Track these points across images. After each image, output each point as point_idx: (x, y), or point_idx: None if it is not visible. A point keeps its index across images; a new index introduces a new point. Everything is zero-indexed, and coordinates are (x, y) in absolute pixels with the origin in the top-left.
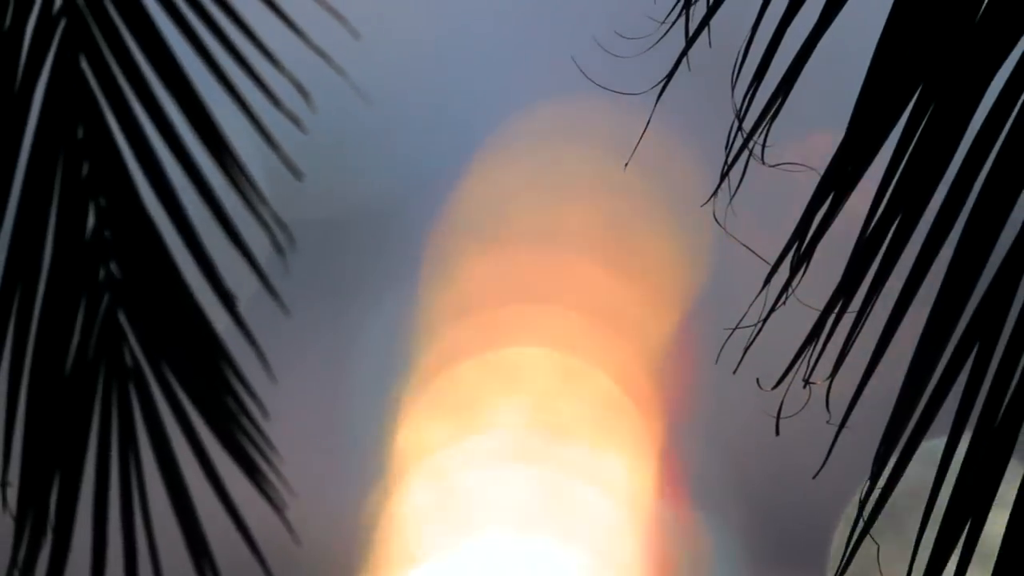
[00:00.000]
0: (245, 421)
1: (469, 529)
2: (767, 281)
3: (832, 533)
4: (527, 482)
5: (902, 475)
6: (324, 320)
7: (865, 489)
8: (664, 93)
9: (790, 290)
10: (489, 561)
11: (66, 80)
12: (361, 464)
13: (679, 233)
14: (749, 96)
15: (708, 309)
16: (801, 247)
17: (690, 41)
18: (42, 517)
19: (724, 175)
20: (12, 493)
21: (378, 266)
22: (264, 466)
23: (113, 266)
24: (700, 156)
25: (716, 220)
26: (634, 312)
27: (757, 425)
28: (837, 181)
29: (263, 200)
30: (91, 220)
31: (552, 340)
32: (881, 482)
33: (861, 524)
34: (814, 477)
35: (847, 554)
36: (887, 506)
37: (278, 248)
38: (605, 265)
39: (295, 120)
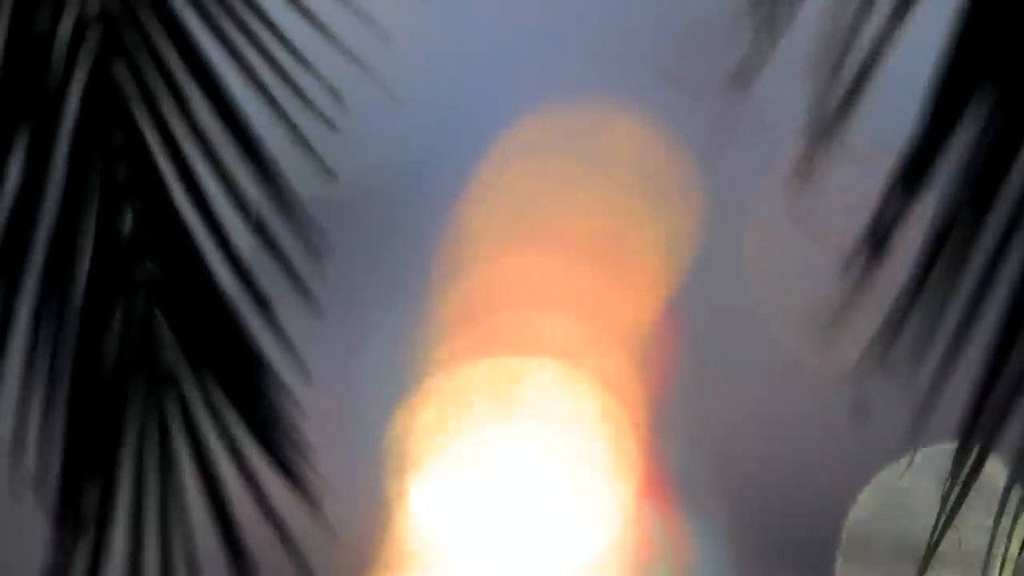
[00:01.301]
0: (282, 421)
1: (460, 534)
2: (846, 271)
3: (824, 534)
4: (520, 486)
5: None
6: (330, 317)
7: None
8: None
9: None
10: (477, 564)
11: (103, 85)
12: (367, 467)
13: (685, 236)
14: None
15: (704, 312)
16: (876, 243)
17: (760, 44)
18: (79, 519)
19: (805, 171)
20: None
21: (386, 264)
22: (302, 470)
23: (150, 265)
24: (712, 161)
25: (787, 216)
26: (631, 317)
27: (746, 426)
28: (909, 177)
29: (298, 205)
30: (128, 223)
31: (553, 347)
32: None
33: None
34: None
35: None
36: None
37: (314, 254)
38: (608, 269)
39: (329, 122)
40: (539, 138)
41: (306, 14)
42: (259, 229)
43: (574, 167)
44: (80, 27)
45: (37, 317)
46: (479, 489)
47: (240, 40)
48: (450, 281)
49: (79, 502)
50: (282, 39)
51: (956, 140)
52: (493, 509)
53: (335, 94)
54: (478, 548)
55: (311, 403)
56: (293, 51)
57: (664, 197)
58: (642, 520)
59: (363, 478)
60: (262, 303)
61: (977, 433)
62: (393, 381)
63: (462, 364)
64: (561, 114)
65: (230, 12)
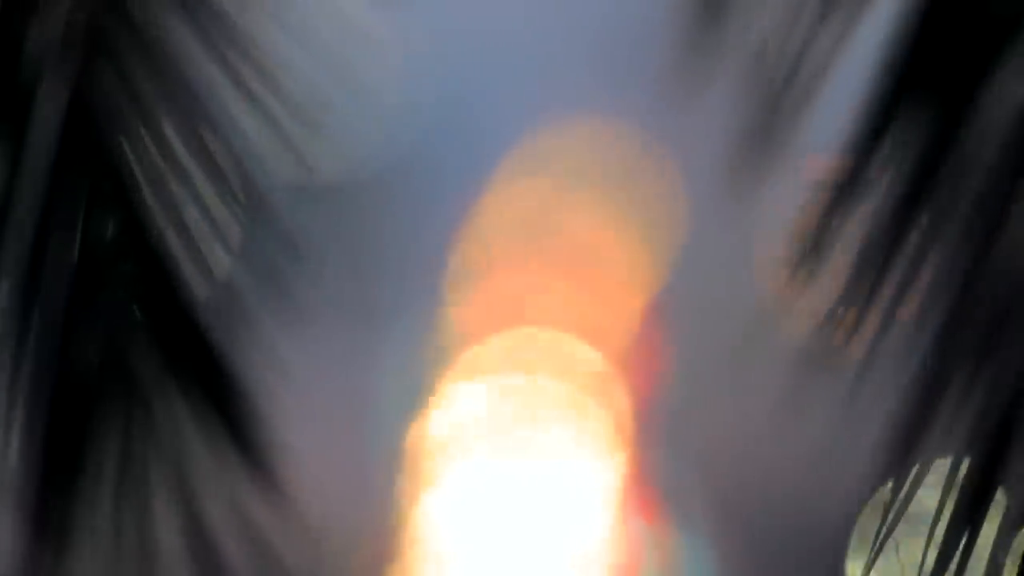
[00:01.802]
0: (253, 421)
1: (455, 542)
2: (789, 284)
3: (815, 545)
4: (513, 500)
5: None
6: (339, 324)
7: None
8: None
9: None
10: (471, 572)
11: (88, 96)
12: (377, 476)
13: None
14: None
15: (693, 322)
16: (811, 254)
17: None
18: (48, 516)
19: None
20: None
21: (394, 272)
22: (274, 468)
23: (128, 267)
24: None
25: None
26: (619, 327)
27: (732, 435)
28: (845, 179)
29: (277, 214)
30: (110, 229)
31: (543, 358)
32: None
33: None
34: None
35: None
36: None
37: (293, 264)
38: (596, 280)
39: (317, 130)
40: (537, 143)
41: (289, 22)
42: (241, 237)
43: (565, 174)
44: (65, 41)
45: (17, 318)
46: (474, 501)
47: (230, 50)
48: (454, 291)
49: (49, 500)
50: (267, 46)
51: (888, 145)
52: (487, 520)
53: (327, 99)
54: (472, 559)
55: (320, 410)
56: (277, 56)
57: (650, 206)
58: (631, 533)
59: (372, 488)
60: (238, 307)
61: (914, 444)
62: (401, 389)
63: (460, 378)
64: (556, 120)
65: (221, 28)
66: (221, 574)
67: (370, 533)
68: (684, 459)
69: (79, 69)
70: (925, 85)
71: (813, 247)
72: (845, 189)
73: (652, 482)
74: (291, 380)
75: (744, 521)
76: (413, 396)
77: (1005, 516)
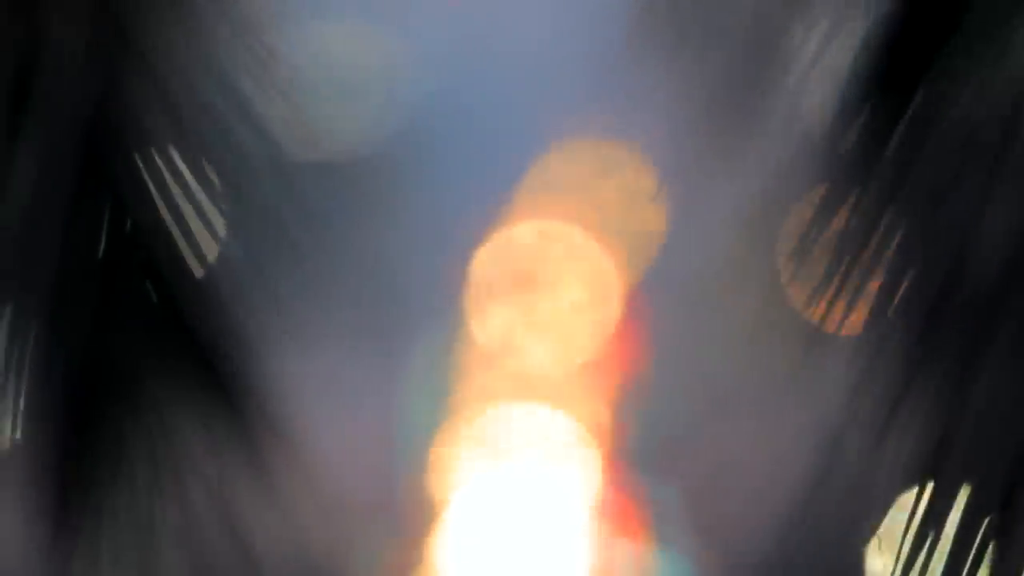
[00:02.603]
0: (254, 407)
1: (450, 556)
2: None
3: (806, 563)
4: (502, 518)
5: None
6: (363, 338)
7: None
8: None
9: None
10: None
11: (107, 123)
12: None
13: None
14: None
15: (684, 334)
16: (804, 254)
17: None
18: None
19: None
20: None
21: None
22: (279, 453)
23: (142, 253)
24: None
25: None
26: (603, 337)
27: (716, 451)
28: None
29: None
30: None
31: (532, 381)
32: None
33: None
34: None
35: None
36: None
37: (291, 257)
38: (586, 299)
39: (322, 117)
40: (533, 146)
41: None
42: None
43: (561, 180)
44: (87, 63)
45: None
46: (460, 518)
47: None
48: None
49: (62, 487)
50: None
51: (860, 137)
52: (474, 534)
53: (327, 88)
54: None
55: (335, 412)
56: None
57: (637, 219)
58: (613, 549)
59: (376, 491)
60: (235, 292)
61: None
62: (413, 393)
63: (459, 393)
64: (552, 121)
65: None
66: (233, 565)
67: (373, 538)
68: (667, 476)
69: (97, 91)
70: (893, 81)
71: (800, 244)
72: (823, 192)
73: (635, 498)
74: (305, 380)
75: (726, 537)
76: (425, 404)
77: (963, 517)
